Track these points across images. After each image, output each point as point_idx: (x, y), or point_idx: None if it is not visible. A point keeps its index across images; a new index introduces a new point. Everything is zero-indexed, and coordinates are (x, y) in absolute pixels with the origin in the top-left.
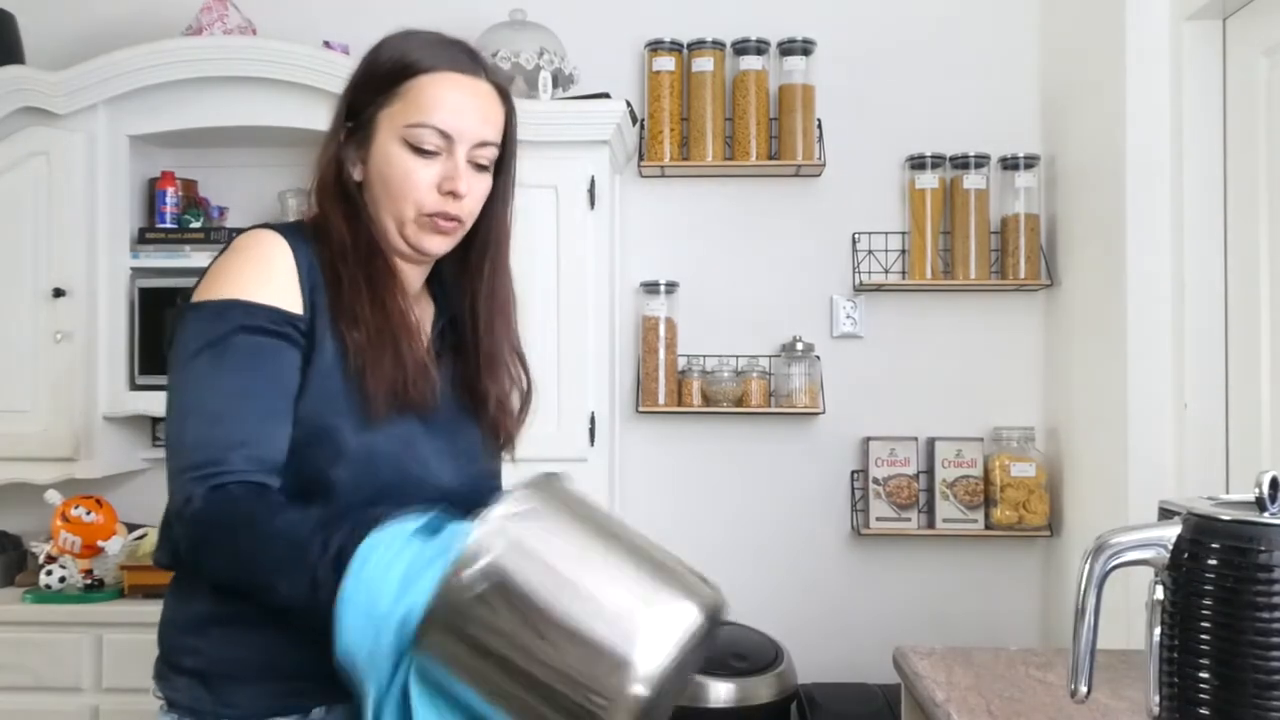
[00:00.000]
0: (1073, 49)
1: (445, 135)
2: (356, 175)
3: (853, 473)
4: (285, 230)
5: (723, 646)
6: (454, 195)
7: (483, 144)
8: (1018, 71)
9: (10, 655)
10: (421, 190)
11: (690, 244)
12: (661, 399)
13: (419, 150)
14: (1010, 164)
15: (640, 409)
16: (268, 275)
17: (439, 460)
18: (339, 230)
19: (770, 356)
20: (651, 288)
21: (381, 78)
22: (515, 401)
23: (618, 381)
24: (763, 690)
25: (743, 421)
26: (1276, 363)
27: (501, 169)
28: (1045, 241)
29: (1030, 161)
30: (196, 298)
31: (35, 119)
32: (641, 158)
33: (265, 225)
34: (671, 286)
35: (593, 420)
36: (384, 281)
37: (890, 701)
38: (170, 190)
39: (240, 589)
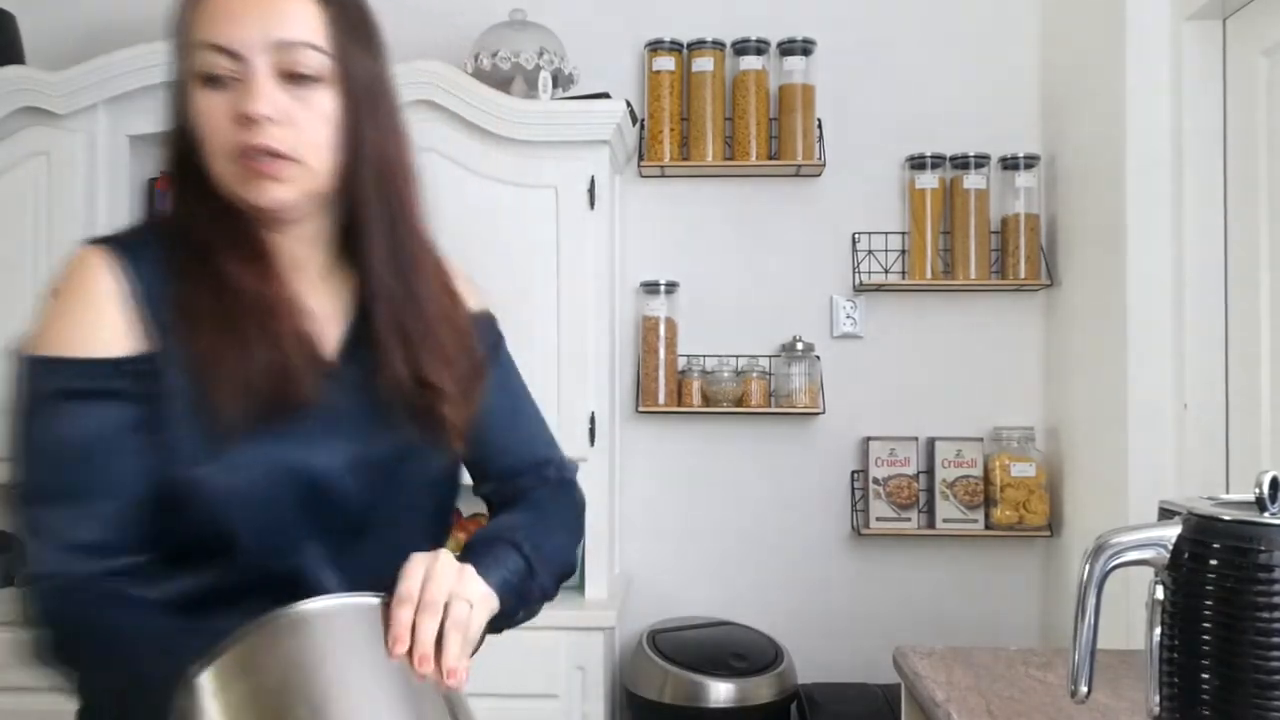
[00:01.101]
0: (1073, 49)
1: (231, 52)
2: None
3: (853, 473)
4: (122, 243)
5: (723, 646)
6: (248, 119)
7: (286, 45)
8: (1018, 71)
9: (10, 655)
10: (216, 126)
11: (690, 244)
12: (661, 399)
13: (210, 80)
14: (1010, 164)
15: (640, 409)
16: (84, 315)
17: (353, 476)
18: (182, 212)
19: (770, 356)
20: (651, 288)
21: (174, 27)
22: (459, 383)
23: (618, 381)
24: (763, 690)
25: (743, 421)
26: (1276, 363)
27: (354, 81)
28: (1045, 241)
29: (1030, 161)
30: (22, 350)
31: (35, 119)
32: (641, 158)
33: (102, 239)
34: (671, 286)
35: (593, 420)
36: (233, 261)
37: (890, 701)
38: (170, 190)
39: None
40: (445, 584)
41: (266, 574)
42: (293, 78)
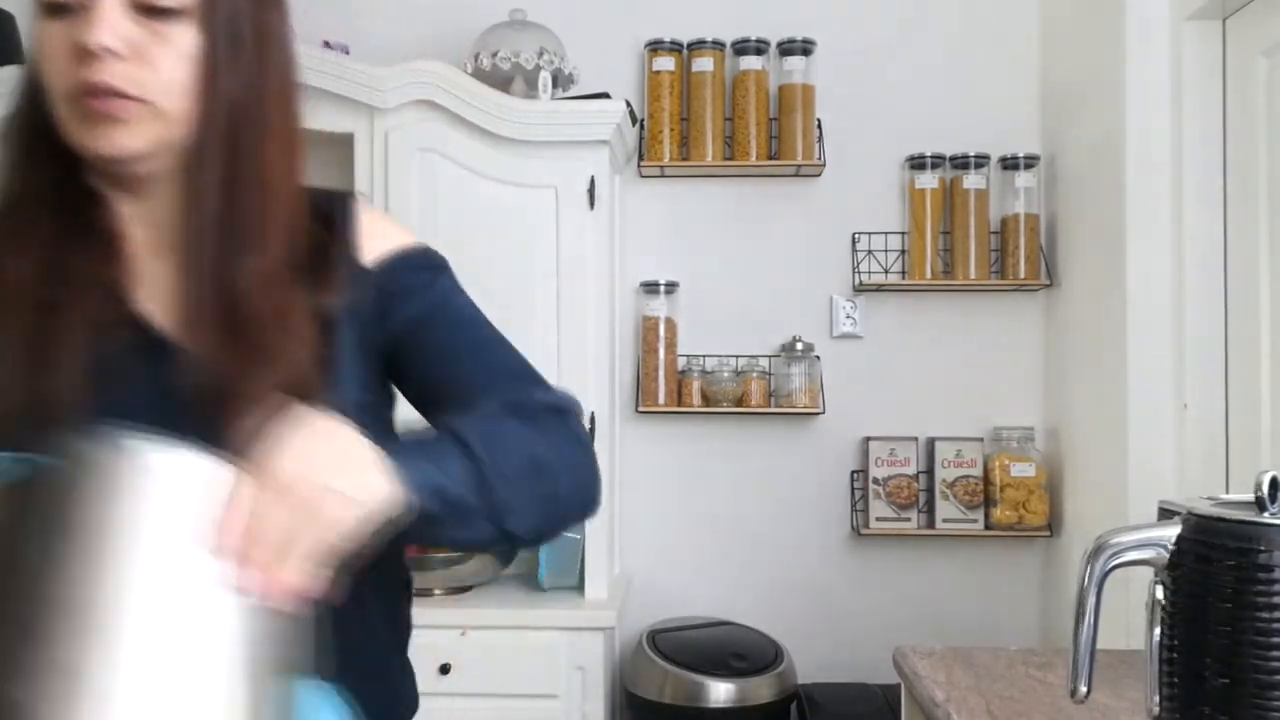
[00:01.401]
0: (1073, 49)
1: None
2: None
3: (853, 473)
4: None
5: (723, 646)
6: (88, 52)
7: None
8: (1018, 71)
9: None
10: (54, 60)
11: (690, 244)
12: (661, 399)
13: (51, 7)
14: (1010, 164)
15: (640, 409)
16: None
17: None
18: (12, 169)
19: (770, 356)
20: (651, 288)
21: None
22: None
23: (618, 381)
24: (763, 690)
25: (743, 421)
26: (1276, 363)
27: (218, 16)
28: (1045, 241)
29: (1030, 161)
30: None
31: None
32: (641, 158)
33: None
34: (671, 286)
35: (593, 420)
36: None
37: (890, 701)
38: None
39: None
40: (323, 469)
41: None
42: (147, 9)
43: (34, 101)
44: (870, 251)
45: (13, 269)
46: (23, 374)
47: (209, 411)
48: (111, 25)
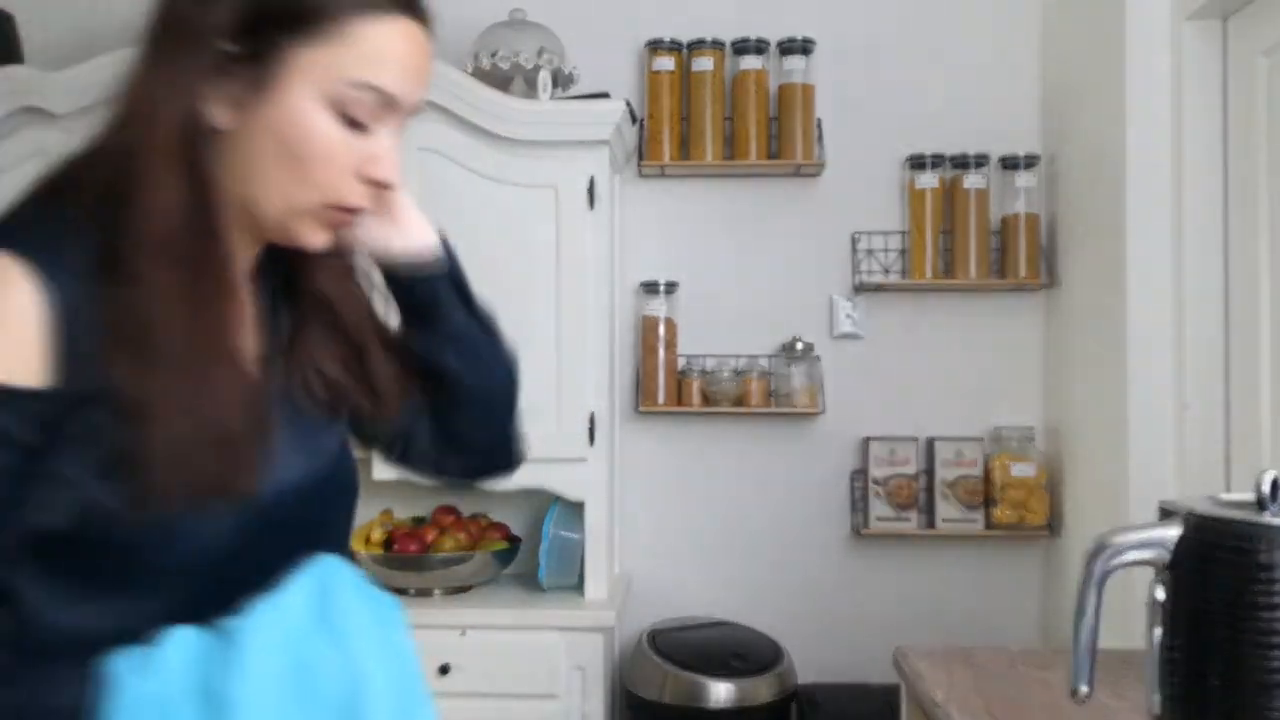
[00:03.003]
0: (1073, 49)
1: (389, 102)
2: (222, 122)
3: (853, 473)
4: (37, 244)
5: (723, 646)
6: (365, 180)
7: (415, 111)
8: (1018, 71)
9: None
10: (345, 175)
11: (690, 244)
12: (661, 399)
13: (349, 119)
14: (1010, 164)
15: (640, 409)
16: (15, 342)
17: (302, 503)
18: (167, 204)
19: (770, 356)
20: (651, 288)
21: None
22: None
23: (617, 381)
24: (763, 690)
25: (743, 421)
26: (1276, 363)
27: None
28: (1045, 241)
29: (1030, 161)
30: None
31: (35, 119)
32: (641, 157)
33: (7, 236)
34: (671, 286)
35: (592, 420)
36: (216, 288)
37: (890, 701)
38: None
39: None
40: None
41: (187, 605)
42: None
43: (193, 139)
44: (870, 251)
45: (221, 314)
46: (218, 456)
47: (329, 412)
48: (398, 163)
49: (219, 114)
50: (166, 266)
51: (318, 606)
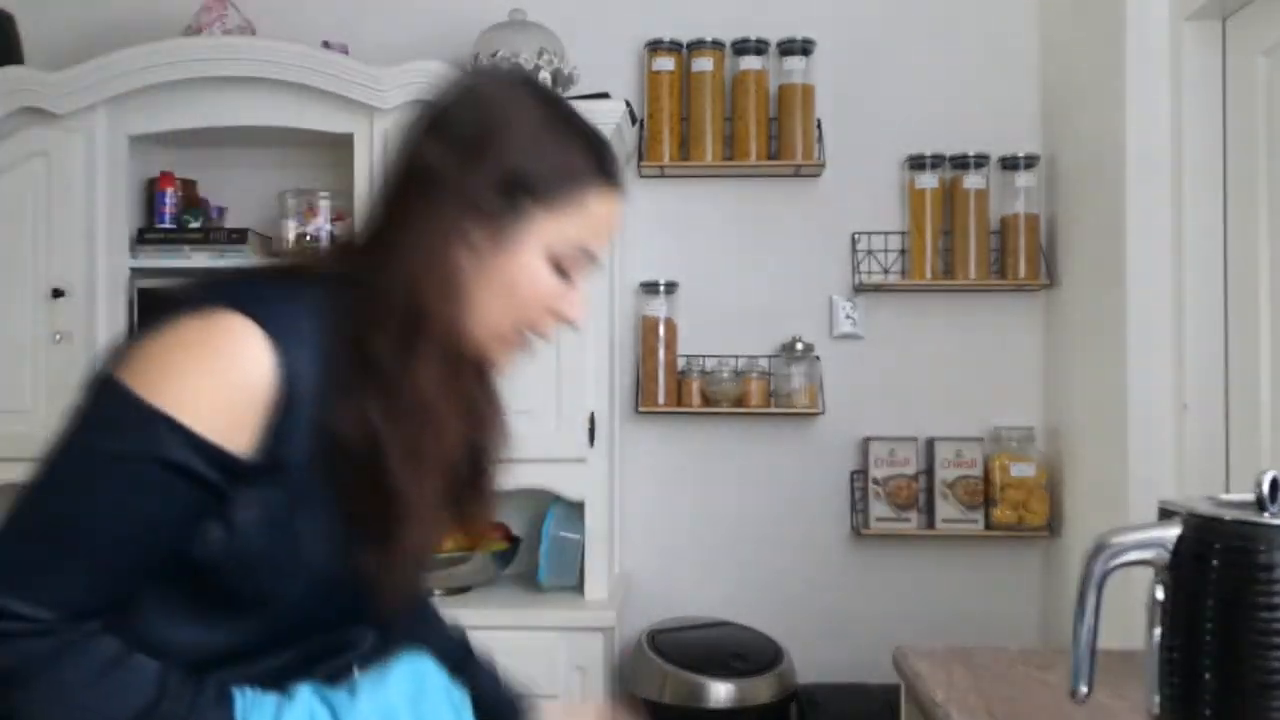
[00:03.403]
0: (1073, 49)
1: (593, 259)
2: (460, 261)
3: (853, 473)
4: (282, 323)
5: (723, 647)
6: (559, 318)
7: None
8: (1018, 71)
9: None
10: (545, 312)
11: (690, 244)
12: (661, 399)
13: (561, 270)
14: (1010, 164)
15: (640, 409)
16: (223, 393)
17: None
18: (448, 321)
19: (770, 356)
20: (651, 288)
21: (549, 176)
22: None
23: (617, 381)
24: (763, 690)
25: (743, 422)
26: (1276, 363)
27: None
28: (1045, 241)
29: (1030, 161)
30: (125, 377)
31: (35, 119)
32: (641, 158)
33: (254, 303)
34: (671, 286)
35: (592, 420)
36: (473, 391)
37: (890, 701)
38: (169, 190)
39: None
40: None
41: (305, 632)
42: None
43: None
44: (870, 251)
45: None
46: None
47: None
48: (585, 307)
49: (458, 254)
50: (437, 374)
51: (413, 700)
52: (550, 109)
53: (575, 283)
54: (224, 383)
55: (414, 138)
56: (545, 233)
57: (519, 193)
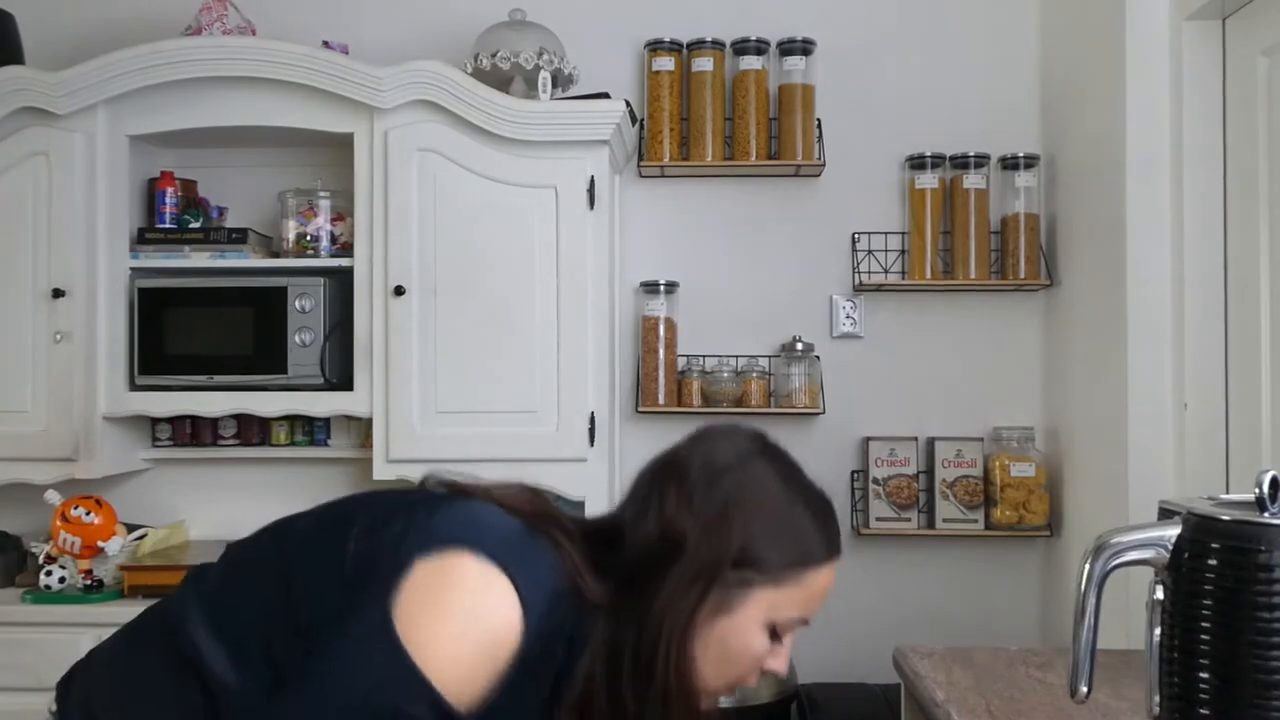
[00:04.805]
0: (1073, 49)
1: (805, 623)
2: (696, 621)
3: (853, 473)
4: (527, 572)
5: None
6: (765, 670)
7: None
8: (1018, 71)
9: (10, 655)
10: (753, 670)
11: (690, 244)
12: (661, 399)
13: (775, 635)
14: (1010, 164)
15: (640, 409)
16: (478, 665)
17: None
18: (676, 678)
19: (770, 356)
20: (651, 288)
21: (781, 561)
22: None
23: (618, 381)
24: (762, 690)
25: (743, 422)
26: (1276, 363)
27: None
28: (1045, 241)
29: (1030, 161)
30: (401, 628)
31: (35, 119)
32: (641, 158)
33: (525, 577)
34: (671, 286)
35: (592, 420)
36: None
37: (890, 701)
38: (170, 190)
39: None
40: None
41: None
42: None
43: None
44: (870, 251)
45: None
46: None
47: None
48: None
49: (693, 619)
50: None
51: None
52: (787, 483)
53: (785, 642)
54: (481, 655)
55: (664, 502)
56: (766, 604)
57: (750, 570)
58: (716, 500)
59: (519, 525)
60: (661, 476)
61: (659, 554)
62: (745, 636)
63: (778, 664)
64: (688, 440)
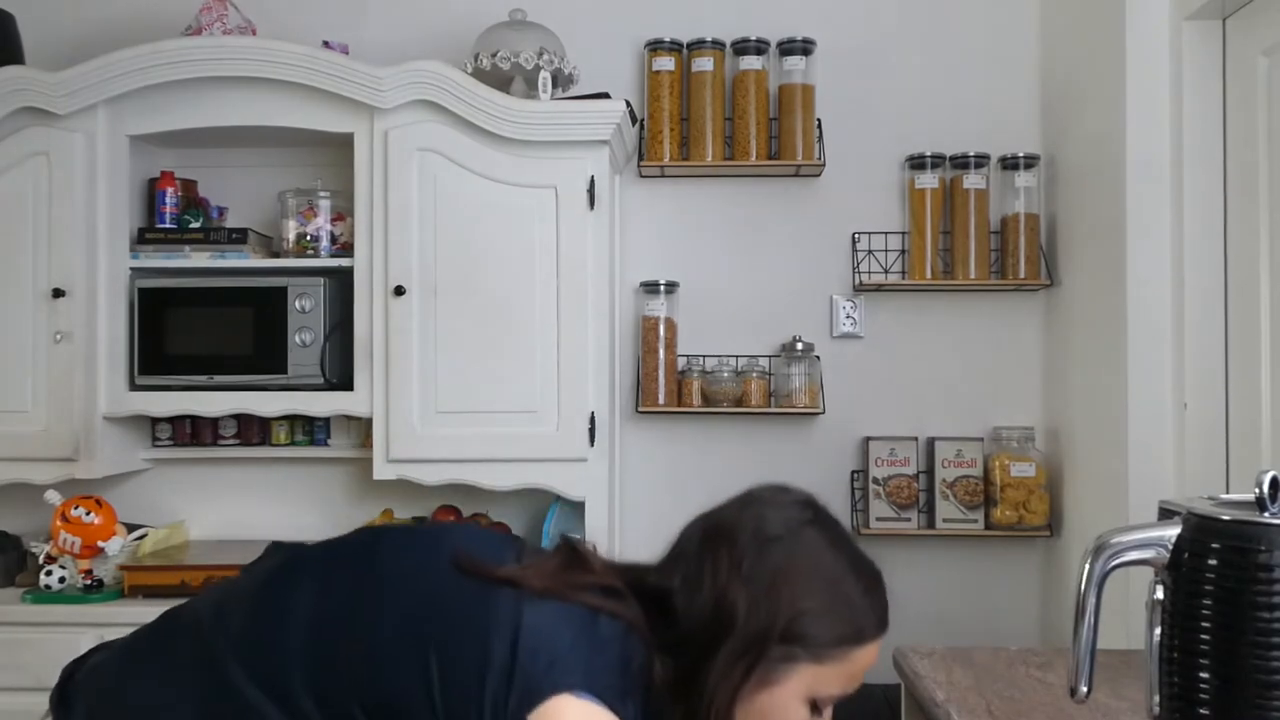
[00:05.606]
0: (1073, 49)
1: (845, 698)
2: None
3: (853, 473)
4: (637, 710)
5: None
6: None
7: None
8: (1018, 71)
9: (10, 655)
10: None
11: (690, 244)
12: (661, 399)
13: (815, 708)
14: (1010, 164)
15: (640, 409)
16: None
17: None
18: None
19: (770, 356)
20: (651, 288)
21: (829, 639)
22: None
23: (618, 381)
24: None
25: (743, 421)
26: (1276, 362)
27: None
28: (1045, 241)
29: (1030, 161)
30: None
31: (35, 119)
32: (641, 158)
33: (607, 692)
34: (671, 286)
35: (593, 420)
36: None
37: (890, 701)
38: (170, 190)
39: None
40: None
41: None
42: None
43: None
44: (870, 251)
45: None
46: None
47: None
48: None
49: (738, 690)
50: None
51: None
52: (837, 553)
53: (825, 715)
54: None
55: (717, 572)
56: (810, 679)
57: (796, 645)
58: (766, 571)
59: (587, 627)
60: (711, 542)
61: (713, 627)
62: (785, 712)
63: None
64: (736, 503)
